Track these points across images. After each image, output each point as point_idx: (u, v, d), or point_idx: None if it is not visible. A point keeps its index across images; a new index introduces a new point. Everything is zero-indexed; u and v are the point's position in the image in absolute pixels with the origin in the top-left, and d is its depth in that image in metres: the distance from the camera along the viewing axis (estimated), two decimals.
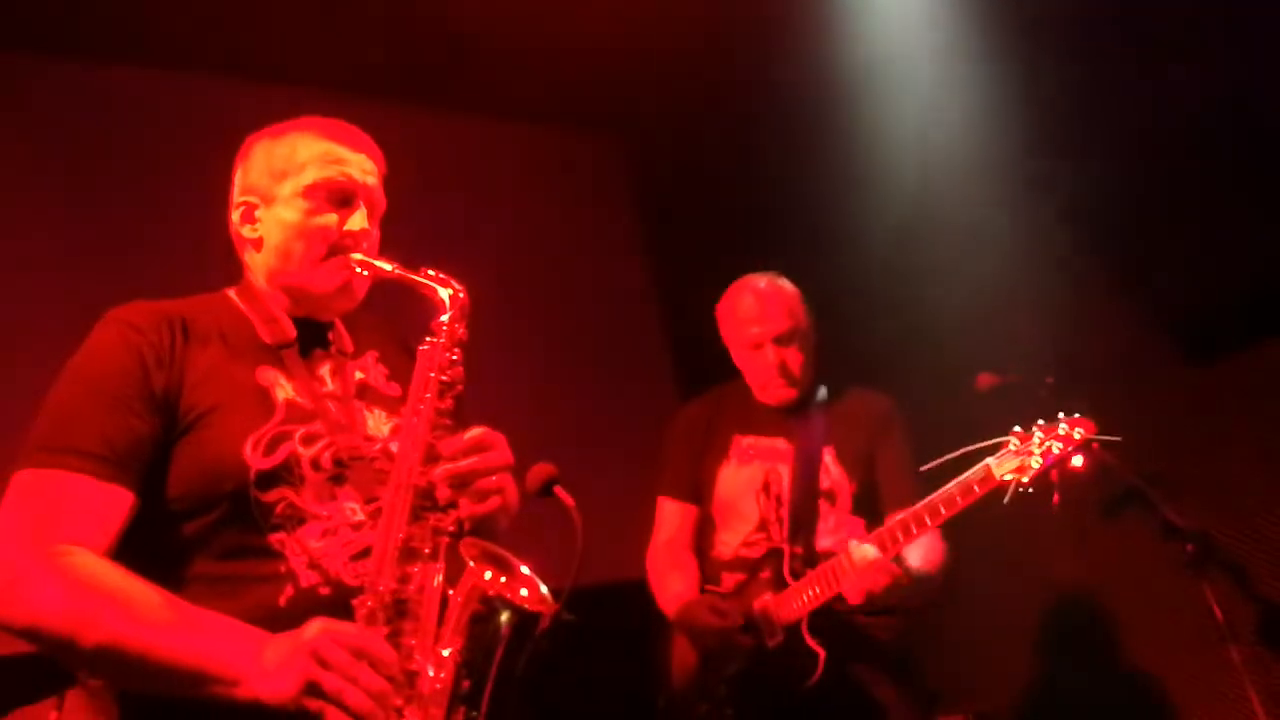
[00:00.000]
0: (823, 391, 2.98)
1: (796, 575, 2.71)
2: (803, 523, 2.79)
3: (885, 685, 2.70)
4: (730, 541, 2.90)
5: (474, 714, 1.47)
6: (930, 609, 2.99)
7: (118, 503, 1.53)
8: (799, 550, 2.75)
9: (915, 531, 2.47)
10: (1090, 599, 3.48)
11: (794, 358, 2.87)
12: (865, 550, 2.48)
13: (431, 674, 1.46)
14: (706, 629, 2.68)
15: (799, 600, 2.66)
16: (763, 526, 2.84)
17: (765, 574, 2.78)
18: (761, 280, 2.97)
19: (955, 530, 2.58)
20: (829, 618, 2.66)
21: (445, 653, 1.48)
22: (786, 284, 2.97)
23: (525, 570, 1.55)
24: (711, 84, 4.24)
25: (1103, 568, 3.32)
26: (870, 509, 2.84)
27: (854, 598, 2.48)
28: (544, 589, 1.54)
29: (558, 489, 1.59)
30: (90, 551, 1.47)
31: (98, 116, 3.80)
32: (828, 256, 4.08)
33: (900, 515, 2.54)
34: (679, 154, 4.65)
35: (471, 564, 1.50)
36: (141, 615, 1.41)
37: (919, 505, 2.49)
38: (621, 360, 4.68)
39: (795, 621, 2.67)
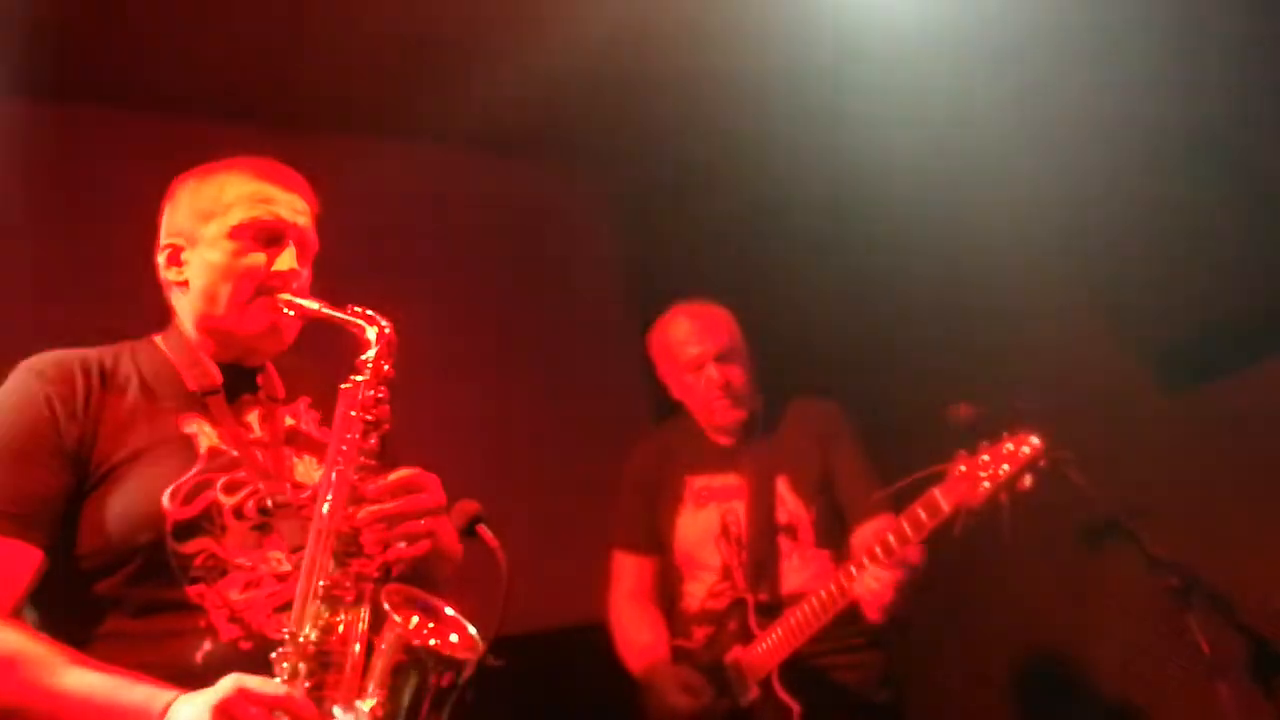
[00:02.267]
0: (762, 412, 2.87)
1: (762, 625, 2.62)
2: (765, 567, 2.70)
3: None
4: (696, 593, 2.81)
5: None
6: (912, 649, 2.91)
7: (24, 560, 1.47)
8: (763, 598, 2.66)
9: (869, 564, 2.38)
10: (1074, 634, 3.39)
11: (737, 375, 2.78)
12: (870, 583, 2.38)
13: None
14: (678, 711, 2.58)
15: (766, 651, 2.58)
16: (727, 574, 2.75)
17: (732, 625, 2.69)
18: (692, 305, 2.91)
19: (938, 565, 2.50)
20: (801, 669, 2.56)
21: (368, 705, 1.41)
22: (717, 306, 2.90)
23: (450, 612, 1.48)
24: (688, 114, 4.21)
25: (1085, 602, 3.23)
26: (833, 529, 2.73)
27: (874, 615, 2.42)
28: (472, 631, 1.47)
29: (481, 528, 1.52)
30: None
31: (68, 152, 3.76)
32: (812, 283, 4.04)
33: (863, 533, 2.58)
34: (656, 182, 4.61)
35: (393, 613, 1.43)
36: (46, 678, 1.36)
37: (872, 539, 2.42)
38: (598, 394, 4.56)
39: (767, 674, 2.58)
